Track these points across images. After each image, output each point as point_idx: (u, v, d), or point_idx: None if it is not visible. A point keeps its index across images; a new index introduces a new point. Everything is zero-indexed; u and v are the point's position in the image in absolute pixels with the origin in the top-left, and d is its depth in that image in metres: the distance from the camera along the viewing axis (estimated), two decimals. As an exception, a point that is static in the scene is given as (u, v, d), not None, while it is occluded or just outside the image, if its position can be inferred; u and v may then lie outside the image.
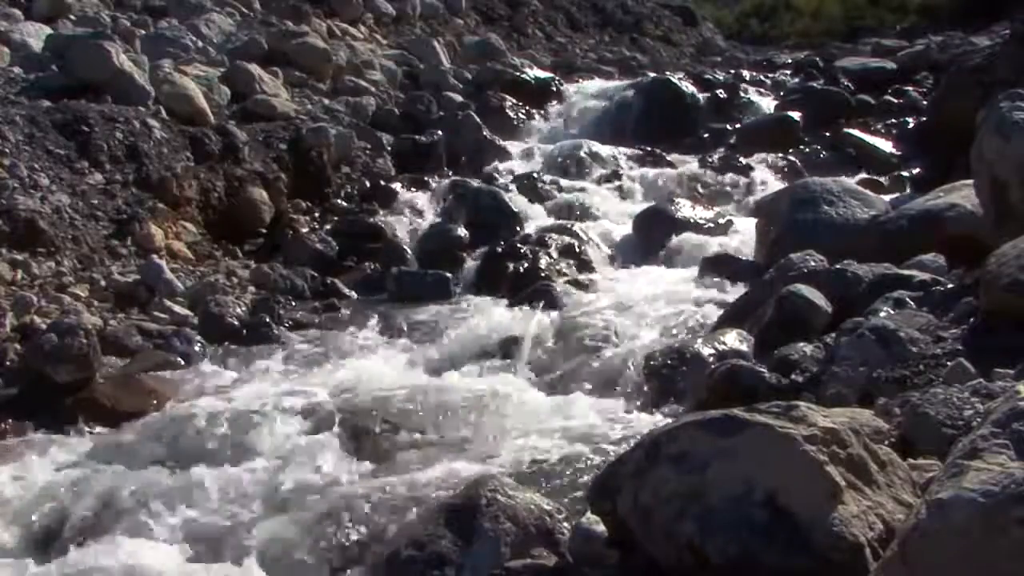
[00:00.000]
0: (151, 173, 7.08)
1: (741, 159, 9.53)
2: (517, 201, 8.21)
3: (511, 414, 4.23)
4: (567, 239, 7.26)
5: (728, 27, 23.68)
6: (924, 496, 1.77)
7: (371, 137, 9.36)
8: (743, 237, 7.22)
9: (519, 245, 7.05)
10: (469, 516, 2.65)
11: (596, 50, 16.45)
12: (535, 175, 9.05)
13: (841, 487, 2.08)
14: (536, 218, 8.04)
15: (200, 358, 5.39)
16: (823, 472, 2.08)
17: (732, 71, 14.00)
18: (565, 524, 2.68)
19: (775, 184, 8.59)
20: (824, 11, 22.78)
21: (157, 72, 8.16)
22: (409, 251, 7.35)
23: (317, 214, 8.14)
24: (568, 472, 3.56)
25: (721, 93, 11.91)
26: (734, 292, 5.66)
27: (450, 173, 9.23)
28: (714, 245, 7.13)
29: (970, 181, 4.69)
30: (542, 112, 11.56)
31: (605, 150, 9.91)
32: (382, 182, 8.77)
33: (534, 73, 12.48)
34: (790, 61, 15.68)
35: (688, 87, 11.89)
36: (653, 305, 5.70)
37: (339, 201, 8.38)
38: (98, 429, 4.42)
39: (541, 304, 5.91)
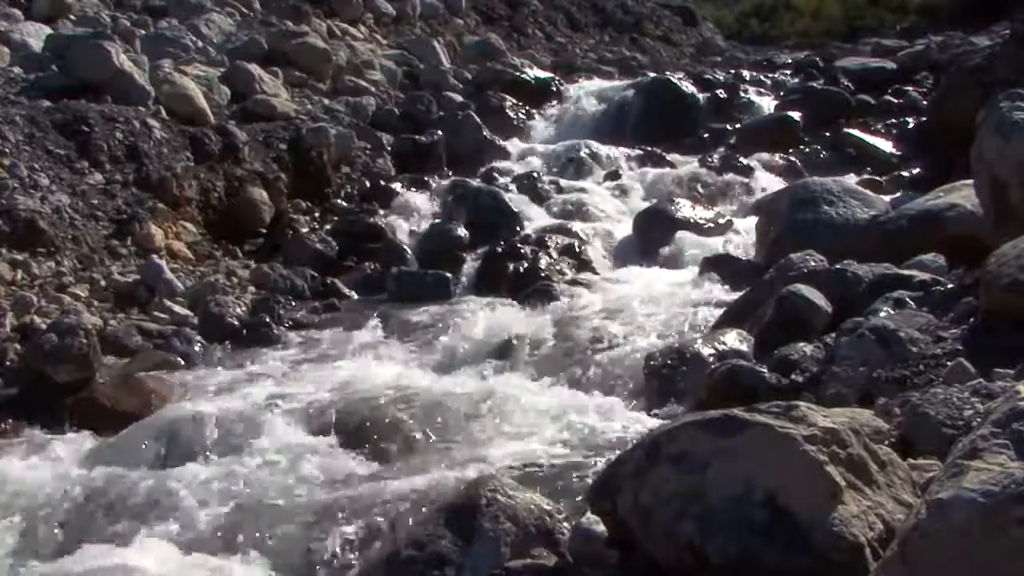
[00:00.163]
0: (151, 173, 7.08)
1: (741, 159, 9.52)
2: (517, 201, 8.22)
3: (511, 414, 4.23)
4: (567, 239, 7.26)
5: (728, 27, 23.68)
6: (924, 496, 1.77)
7: (371, 137, 9.36)
8: (743, 237, 7.23)
9: (519, 245, 7.05)
10: (469, 516, 2.65)
11: (596, 50, 16.45)
12: (535, 175, 9.05)
13: (841, 487, 2.08)
14: (536, 218, 8.04)
15: (200, 358, 5.39)
16: (823, 472, 2.08)
17: (732, 71, 14.00)
18: (565, 524, 2.68)
19: (775, 184, 8.59)
20: (824, 11, 22.78)
21: (157, 72, 8.16)
22: (409, 251, 7.35)
23: (317, 214, 8.14)
24: (568, 472, 3.56)
25: (721, 93, 11.91)
26: (734, 292, 5.66)
27: (450, 173, 9.23)
28: (714, 245, 7.14)
29: (970, 181, 4.69)
30: (542, 112, 11.57)
31: (605, 150, 9.91)
32: (382, 182, 8.78)
33: (534, 73, 12.48)
34: (790, 61, 15.68)
35: (688, 87, 11.89)
36: (653, 305, 5.71)
37: (339, 201, 8.38)
38: (98, 429, 4.42)
39: (541, 304, 5.91)
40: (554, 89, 12.09)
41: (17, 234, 5.89)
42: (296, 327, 5.94)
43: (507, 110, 11.08)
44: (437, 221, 7.92)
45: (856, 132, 10.23)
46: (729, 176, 9.07)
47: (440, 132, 9.68)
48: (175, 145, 7.47)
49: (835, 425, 2.21)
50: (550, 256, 6.92)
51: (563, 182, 9.04)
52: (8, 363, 4.99)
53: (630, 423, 4.05)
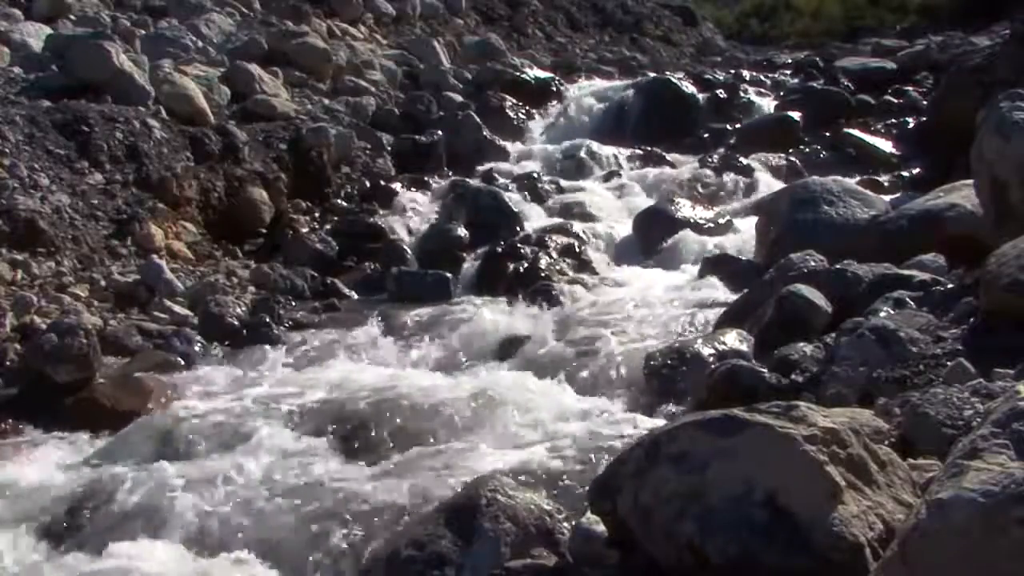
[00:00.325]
0: (151, 173, 7.08)
1: (741, 159, 9.53)
2: (517, 201, 8.22)
3: (511, 414, 4.22)
4: (567, 239, 7.26)
5: (728, 27, 23.69)
6: (924, 496, 1.77)
7: (371, 137, 9.36)
8: (743, 237, 7.23)
9: (519, 245, 7.05)
10: (469, 516, 2.65)
11: (596, 50, 16.46)
12: (535, 175, 9.05)
13: (841, 487, 2.08)
14: (536, 218, 8.05)
15: (200, 358, 5.39)
16: (823, 472, 2.08)
17: (732, 71, 14.00)
18: (565, 524, 2.68)
19: (775, 184, 8.59)
20: (824, 11, 22.79)
21: (157, 72, 8.16)
22: (409, 251, 7.35)
23: (317, 214, 8.14)
24: (568, 472, 3.56)
25: (721, 93, 11.91)
26: (734, 292, 5.66)
27: (450, 173, 9.24)
28: (714, 245, 7.14)
29: (970, 181, 4.69)
30: (542, 112, 11.57)
31: (605, 150, 9.91)
32: (382, 182, 8.78)
33: (534, 73, 12.48)
34: (790, 61, 15.69)
35: (688, 87, 11.89)
36: (653, 305, 5.71)
37: (339, 201, 8.38)
38: (98, 429, 4.42)
39: (541, 304, 5.91)
40: (554, 89, 12.09)
41: (17, 234, 5.89)
42: (296, 327, 5.94)
43: (507, 110, 11.08)
44: (437, 221, 7.92)
45: (856, 132, 10.23)
46: (729, 176, 9.07)
47: (440, 132, 9.68)
48: (175, 145, 7.47)
49: (835, 425, 2.21)
50: (550, 256, 6.93)
51: (563, 182, 9.04)
52: (8, 363, 4.99)
53: (630, 423, 4.05)
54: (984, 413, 1.99)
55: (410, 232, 7.82)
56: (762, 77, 13.48)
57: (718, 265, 6.39)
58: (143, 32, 9.49)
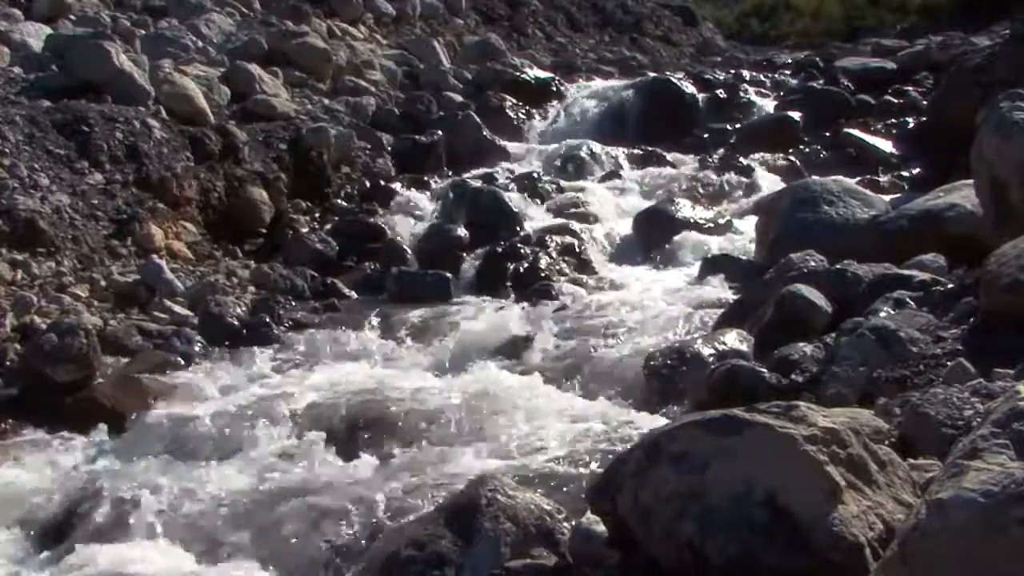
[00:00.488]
0: (151, 173, 7.08)
1: (741, 159, 9.53)
2: (517, 201, 8.22)
3: (511, 414, 4.22)
4: (567, 239, 7.26)
5: (728, 27, 23.69)
6: (924, 496, 1.77)
7: (371, 137, 9.36)
8: (743, 237, 7.23)
9: (519, 245, 7.05)
10: (469, 516, 2.65)
11: (596, 50, 16.46)
12: (535, 175, 9.05)
13: (841, 487, 2.08)
14: (536, 218, 8.04)
15: (200, 358, 5.39)
16: (823, 472, 2.08)
17: (732, 71, 14.01)
18: (565, 524, 2.68)
19: (775, 184, 8.59)
20: (824, 11, 22.79)
21: (157, 72, 8.16)
22: (409, 251, 7.35)
23: (317, 214, 8.14)
24: (568, 472, 3.56)
25: (721, 93, 11.91)
26: (734, 292, 5.66)
27: (450, 173, 9.23)
28: (714, 245, 7.14)
29: (970, 181, 4.69)
30: (542, 112, 11.57)
31: (605, 150, 9.91)
32: (382, 182, 8.77)
33: (534, 73, 12.48)
34: (790, 61, 15.69)
35: (688, 87, 11.89)
36: (653, 305, 5.71)
37: (339, 201, 8.38)
38: (98, 429, 4.42)
39: (541, 304, 5.91)
40: (554, 89, 12.09)
41: (17, 234, 5.89)
42: (296, 327, 5.94)
43: (507, 110, 11.08)
44: (437, 221, 7.92)
45: (856, 132, 10.23)
46: (729, 176, 9.07)
47: (440, 132, 9.68)
48: (175, 145, 7.47)
49: (835, 425, 2.21)
50: (550, 256, 6.93)
51: (563, 182, 9.04)
52: (8, 363, 4.98)
53: (630, 423, 4.05)
54: (984, 413, 1.99)
55: (410, 232, 7.82)
56: (762, 77, 13.48)
57: (718, 265, 6.39)
58: (143, 32, 9.49)
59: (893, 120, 10.70)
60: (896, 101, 11.31)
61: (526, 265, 6.74)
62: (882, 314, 3.74)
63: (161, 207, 6.98)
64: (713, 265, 6.41)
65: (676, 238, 7.29)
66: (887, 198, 6.88)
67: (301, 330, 5.88)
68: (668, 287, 6.30)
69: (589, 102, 11.80)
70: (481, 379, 4.82)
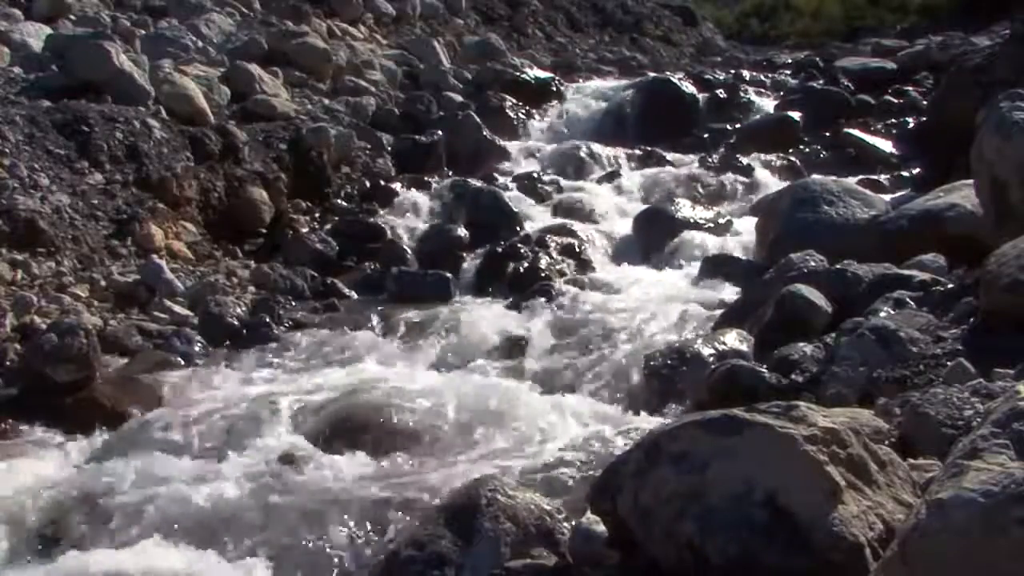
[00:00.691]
0: (151, 173, 7.08)
1: (741, 159, 9.53)
2: (517, 201, 8.22)
3: (511, 414, 4.22)
4: (567, 239, 7.27)
5: (728, 27, 23.69)
6: (924, 496, 1.77)
7: (371, 137, 9.36)
8: (743, 237, 7.23)
9: (519, 245, 7.06)
10: (469, 516, 2.65)
11: (596, 50, 16.46)
12: (535, 175, 9.05)
13: (841, 487, 2.08)
14: (536, 218, 8.04)
15: (200, 358, 5.39)
16: (823, 472, 2.08)
17: (732, 71, 14.00)
18: (565, 524, 2.68)
19: (775, 184, 8.59)
20: (824, 11, 22.79)
21: (157, 72, 8.16)
22: (409, 251, 7.35)
23: (317, 214, 8.14)
24: (568, 472, 3.56)
25: (721, 93, 11.91)
26: (734, 292, 5.67)
27: (450, 173, 9.23)
28: (714, 245, 7.14)
29: (970, 181, 4.69)
30: (542, 112, 11.56)
31: (605, 150, 9.91)
32: (382, 182, 8.77)
33: (534, 73, 12.48)
34: (790, 61, 15.69)
35: (688, 87, 11.89)
36: (653, 305, 5.71)
37: (339, 201, 8.38)
38: (98, 429, 4.42)
39: (541, 304, 5.91)
40: (554, 89, 12.09)
41: (17, 234, 5.89)
42: (296, 327, 5.94)
43: (507, 110, 11.07)
44: (437, 221, 7.92)
45: (856, 132, 10.23)
46: (729, 176, 9.07)
47: (440, 132, 9.68)
48: (175, 145, 7.46)
49: (835, 425, 2.21)
50: (550, 256, 6.93)
51: (563, 182, 9.04)
52: (8, 363, 4.98)
53: (630, 423, 4.05)
54: (984, 413, 1.99)
55: (410, 232, 7.82)
56: (762, 77, 13.48)
57: (718, 265, 6.40)
58: (143, 32, 9.49)
59: (893, 120, 10.70)
60: (896, 101, 11.31)
61: (526, 265, 6.74)
62: (882, 314, 3.74)
63: (161, 207, 6.98)
64: (713, 265, 6.41)
65: (676, 238, 7.29)
66: (887, 198, 6.89)
67: (301, 330, 5.88)
68: (668, 287, 6.30)
69: (589, 102, 11.80)
70: (481, 379, 4.82)
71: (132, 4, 10.56)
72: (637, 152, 9.99)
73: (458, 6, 15.28)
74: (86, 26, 9.02)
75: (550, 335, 5.37)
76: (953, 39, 14.05)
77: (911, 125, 10.42)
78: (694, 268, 6.60)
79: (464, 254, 7.26)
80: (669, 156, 9.95)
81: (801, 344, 3.78)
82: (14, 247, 5.85)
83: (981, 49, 9.70)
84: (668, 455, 2.26)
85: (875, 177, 8.77)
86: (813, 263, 4.85)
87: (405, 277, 6.75)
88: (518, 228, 7.72)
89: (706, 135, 10.88)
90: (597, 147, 9.95)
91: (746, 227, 7.36)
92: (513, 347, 5.30)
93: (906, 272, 4.31)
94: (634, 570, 2.32)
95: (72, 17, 9.39)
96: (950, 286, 3.89)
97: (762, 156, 9.66)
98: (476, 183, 8.55)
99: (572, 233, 7.43)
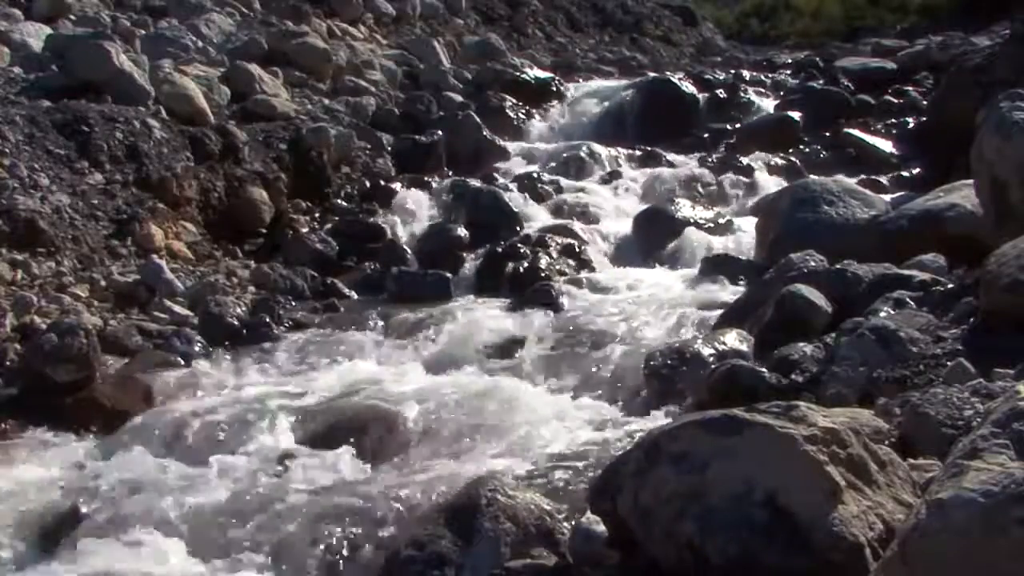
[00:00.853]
0: (151, 173, 7.08)
1: (741, 159, 9.53)
2: (517, 201, 8.21)
3: (511, 414, 4.22)
4: (567, 239, 7.26)
5: (728, 27, 23.68)
6: (924, 496, 1.77)
7: (371, 137, 9.36)
8: (743, 237, 7.23)
9: (519, 245, 7.05)
10: (469, 516, 2.65)
11: (596, 50, 16.45)
12: (535, 175, 9.05)
13: (841, 487, 2.08)
14: (536, 218, 8.04)
15: (200, 358, 5.39)
16: (823, 472, 2.08)
17: (732, 71, 13.99)
18: (565, 524, 2.68)
19: (775, 184, 8.59)
20: (824, 11, 22.77)
21: (157, 72, 8.16)
22: (409, 251, 7.35)
23: (317, 214, 8.14)
24: (568, 472, 3.55)
25: (721, 93, 11.90)
26: (734, 292, 5.66)
27: (450, 173, 9.22)
28: (714, 245, 7.14)
29: (970, 181, 4.69)
30: (542, 112, 11.56)
31: (605, 150, 9.90)
32: (382, 182, 8.77)
33: (534, 73, 12.47)
34: (790, 61, 15.67)
35: (688, 87, 11.89)
36: (653, 305, 5.71)
37: (339, 201, 8.38)
38: (98, 429, 4.42)
39: (541, 304, 5.91)
40: (554, 89, 12.08)
41: (17, 234, 5.89)
42: (296, 327, 5.94)
43: (507, 110, 11.07)
44: (437, 221, 7.92)
45: (856, 132, 10.22)
46: (729, 176, 9.07)
47: (440, 132, 9.67)
48: (175, 145, 7.46)
49: (835, 425, 2.21)
50: (550, 256, 6.93)
51: (563, 182, 9.03)
52: (8, 363, 4.98)
53: (630, 423, 4.05)
54: (984, 413, 1.99)
55: (410, 232, 7.82)
56: (762, 77, 13.47)
57: (718, 265, 6.39)
58: (143, 32, 9.49)
59: (893, 120, 10.69)
60: (896, 101, 11.30)
61: (526, 265, 6.74)
62: (882, 314, 3.74)
63: (161, 207, 6.98)
64: (713, 265, 6.41)
65: (676, 238, 7.29)
66: (887, 198, 6.88)
67: (301, 330, 5.88)
68: (668, 287, 6.30)
69: (589, 102, 11.79)
70: (481, 379, 4.82)
71: (132, 4, 10.55)
72: (637, 152, 9.99)
73: (458, 6, 15.27)
74: (86, 26, 9.02)
75: (550, 335, 5.37)
76: (953, 39, 14.04)
77: (911, 125, 10.41)
78: (694, 268, 6.60)
79: (464, 254, 7.26)
80: (669, 156, 9.94)
81: (801, 344, 3.78)
82: (14, 247, 5.85)
83: (981, 49, 9.70)
84: (668, 455, 2.26)
85: (875, 177, 8.76)
86: (813, 263, 4.85)
87: (405, 277, 6.75)
88: (518, 228, 7.72)
89: (706, 135, 10.87)
90: (597, 147, 9.94)
91: (746, 227, 7.36)
92: (513, 347, 5.30)
93: (906, 272, 4.30)
94: (634, 570, 2.32)
95: (72, 17, 9.39)
96: (950, 286, 3.89)
97: (762, 156, 9.65)
98: (476, 183, 8.55)
99: (572, 233, 7.43)
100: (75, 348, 4.76)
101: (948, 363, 3.05)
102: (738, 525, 2.08)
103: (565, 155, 9.81)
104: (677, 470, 2.22)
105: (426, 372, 5.07)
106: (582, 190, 8.83)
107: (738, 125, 11.08)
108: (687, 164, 9.69)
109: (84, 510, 3.62)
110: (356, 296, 6.71)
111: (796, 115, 10.80)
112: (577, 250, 7.14)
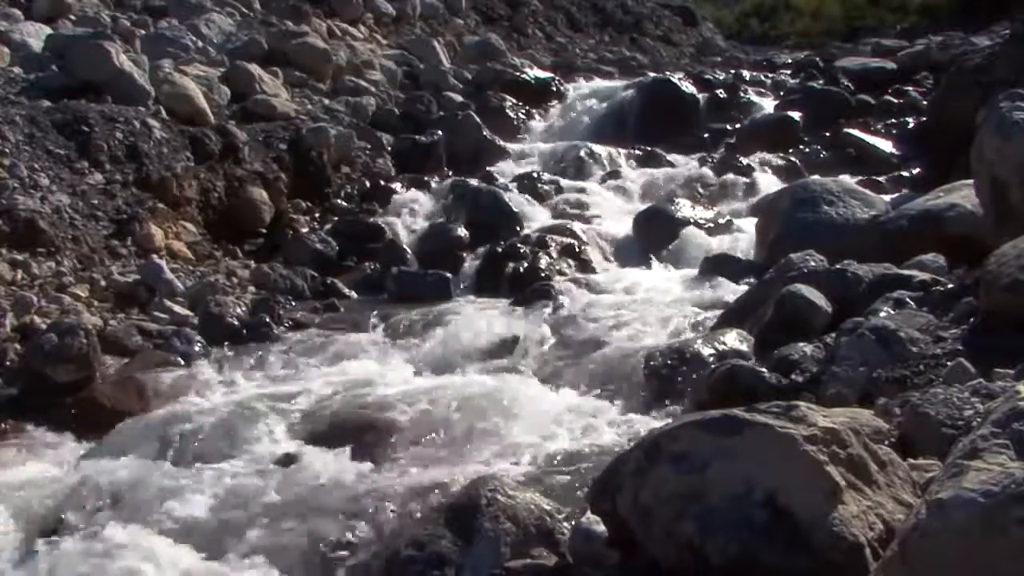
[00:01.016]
0: (151, 173, 7.08)
1: (741, 159, 9.53)
2: (517, 201, 8.21)
3: (511, 414, 4.22)
4: (567, 239, 7.26)
5: (728, 27, 23.69)
6: (924, 496, 1.77)
7: (371, 137, 9.36)
8: (743, 237, 7.23)
9: (519, 245, 7.06)
10: (469, 516, 2.65)
11: (596, 50, 16.45)
12: (535, 175, 9.05)
13: (841, 487, 2.08)
14: (536, 218, 8.04)
15: (200, 358, 5.39)
16: (823, 472, 2.08)
17: (732, 71, 13.99)
18: (565, 524, 2.68)
19: (775, 184, 8.59)
20: (824, 11, 22.78)
21: (157, 72, 8.16)
22: (409, 251, 7.35)
23: (317, 214, 8.15)
24: (568, 472, 3.55)
25: (721, 93, 11.91)
26: (734, 292, 5.66)
27: (450, 173, 9.23)
28: (714, 245, 7.14)
29: (970, 181, 4.69)
30: (542, 112, 11.56)
31: (605, 150, 9.91)
32: (382, 182, 8.77)
33: (534, 73, 12.48)
34: (790, 61, 15.68)
35: (688, 87, 11.89)
36: (653, 305, 5.71)
37: (339, 201, 8.38)
38: (98, 429, 4.41)
39: (541, 304, 5.91)
40: (554, 89, 12.08)
41: (17, 234, 5.89)
42: (296, 327, 5.94)
43: (507, 110, 11.07)
44: (437, 221, 7.92)
45: (856, 132, 10.23)
46: (729, 176, 9.07)
47: (440, 132, 9.68)
48: (175, 145, 7.47)
49: (835, 425, 2.21)
50: (550, 256, 6.93)
51: (563, 182, 9.04)
52: (8, 363, 4.99)
53: (630, 423, 4.05)
54: (984, 413, 1.99)
55: (410, 232, 7.82)
56: (762, 77, 13.47)
57: (718, 265, 6.39)
58: (143, 32, 9.49)
59: (893, 120, 10.69)
60: (896, 101, 11.30)
61: (526, 265, 6.74)
62: (882, 314, 3.74)
63: (161, 207, 6.98)
64: (713, 265, 6.41)
65: (676, 238, 7.29)
66: (887, 198, 6.88)
67: (301, 330, 5.88)
68: (668, 287, 6.30)
69: (589, 102, 11.80)
70: (481, 379, 4.82)
71: (132, 4, 10.56)
72: (637, 152, 9.99)
73: (458, 6, 15.27)
74: (86, 26, 9.02)
75: (550, 335, 5.37)
76: (953, 39, 14.04)
77: (911, 125, 10.41)
78: (694, 268, 6.60)
79: (464, 254, 7.26)
80: (669, 156, 9.94)
81: (801, 344, 3.77)
82: (14, 247, 5.85)
83: (981, 49, 9.69)
84: (668, 455, 2.26)
85: (875, 177, 8.76)
86: (813, 263, 4.85)
87: (405, 277, 6.75)
88: (518, 228, 7.73)
89: (706, 135, 10.88)
90: (597, 147, 9.95)
91: (746, 227, 7.36)
92: (513, 347, 5.30)
93: (906, 272, 4.30)
94: (634, 570, 2.32)
95: (72, 17, 9.39)
96: (950, 286, 3.88)
97: (762, 156, 9.66)
98: (476, 183, 8.55)
99: (572, 233, 7.43)
100: (75, 348, 4.76)
101: (948, 363, 3.05)
102: (738, 525, 2.08)
103: (565, 155, 9.82)
104: (677, 470, 2.22)
105: (426, 372, 5.07)
106: (582, 190, 8.83)
107: (738, 125, 11.08)
108: (687, 164, 9.69)
109: (84, 510, 3.62)
110: (356, 296, 6.71)
111: (796, 115, 10.81)
112: (577, 250, 7.14)
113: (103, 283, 5.99)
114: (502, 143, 10.09)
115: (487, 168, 9.41)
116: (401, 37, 13.24)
